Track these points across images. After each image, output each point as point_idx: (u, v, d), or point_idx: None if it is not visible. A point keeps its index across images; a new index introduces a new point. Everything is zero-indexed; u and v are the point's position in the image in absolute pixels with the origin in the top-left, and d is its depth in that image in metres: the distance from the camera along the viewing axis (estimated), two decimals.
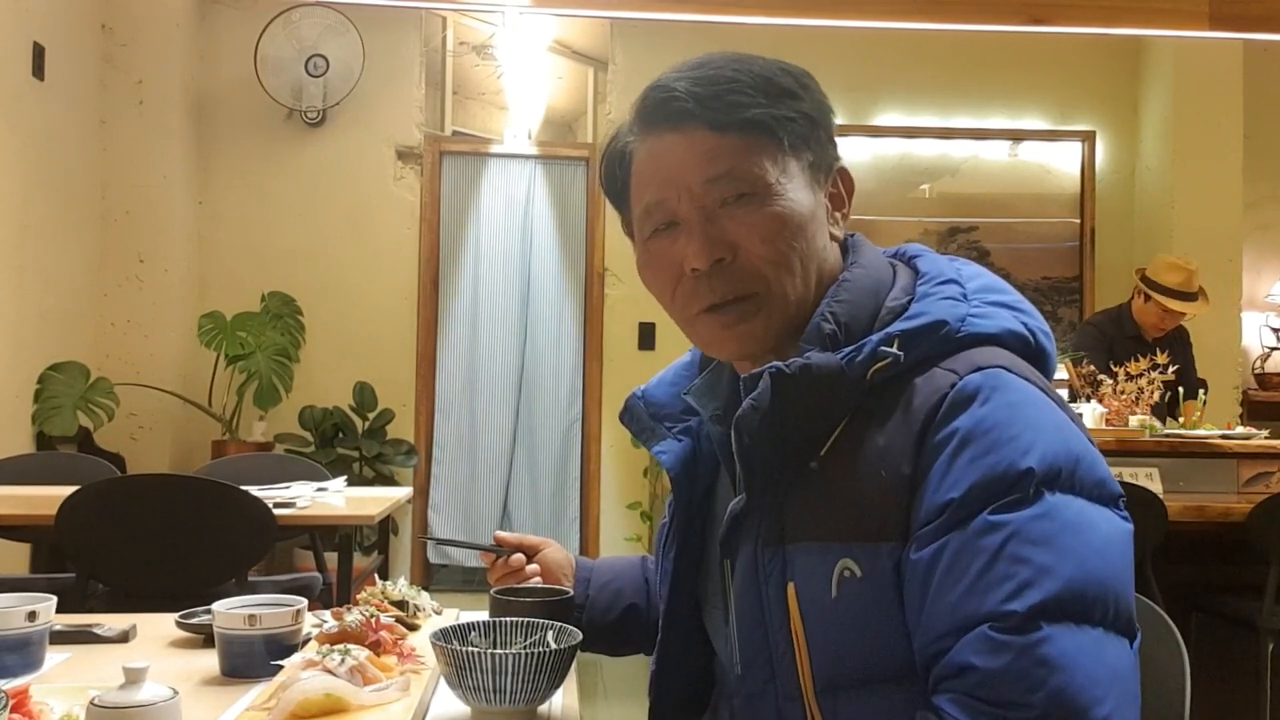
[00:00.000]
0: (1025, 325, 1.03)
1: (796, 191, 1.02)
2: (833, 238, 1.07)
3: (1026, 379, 0.96)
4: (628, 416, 1.20)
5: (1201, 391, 3.85)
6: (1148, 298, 4.14)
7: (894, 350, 0.96)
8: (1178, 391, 3.76)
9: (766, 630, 0.99)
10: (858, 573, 0.93)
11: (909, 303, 1.01)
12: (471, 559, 5.17)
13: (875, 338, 0.97)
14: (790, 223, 1.01)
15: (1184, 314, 4.16)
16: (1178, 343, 4.20)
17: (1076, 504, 0.89)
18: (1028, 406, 0.93)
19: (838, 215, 1.08)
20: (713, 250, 1.01)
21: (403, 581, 1.50)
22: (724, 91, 1.01)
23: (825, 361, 0.97)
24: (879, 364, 0.96)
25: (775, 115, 1.01)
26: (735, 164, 1.01)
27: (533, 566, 1.35)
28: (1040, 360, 1.04)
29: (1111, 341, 4.13)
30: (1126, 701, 0.85)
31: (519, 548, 1.37)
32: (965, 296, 1.02)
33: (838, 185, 1.08)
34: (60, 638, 1.43)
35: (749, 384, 0.99)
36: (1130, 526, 0.93)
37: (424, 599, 1.50)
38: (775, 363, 0.97)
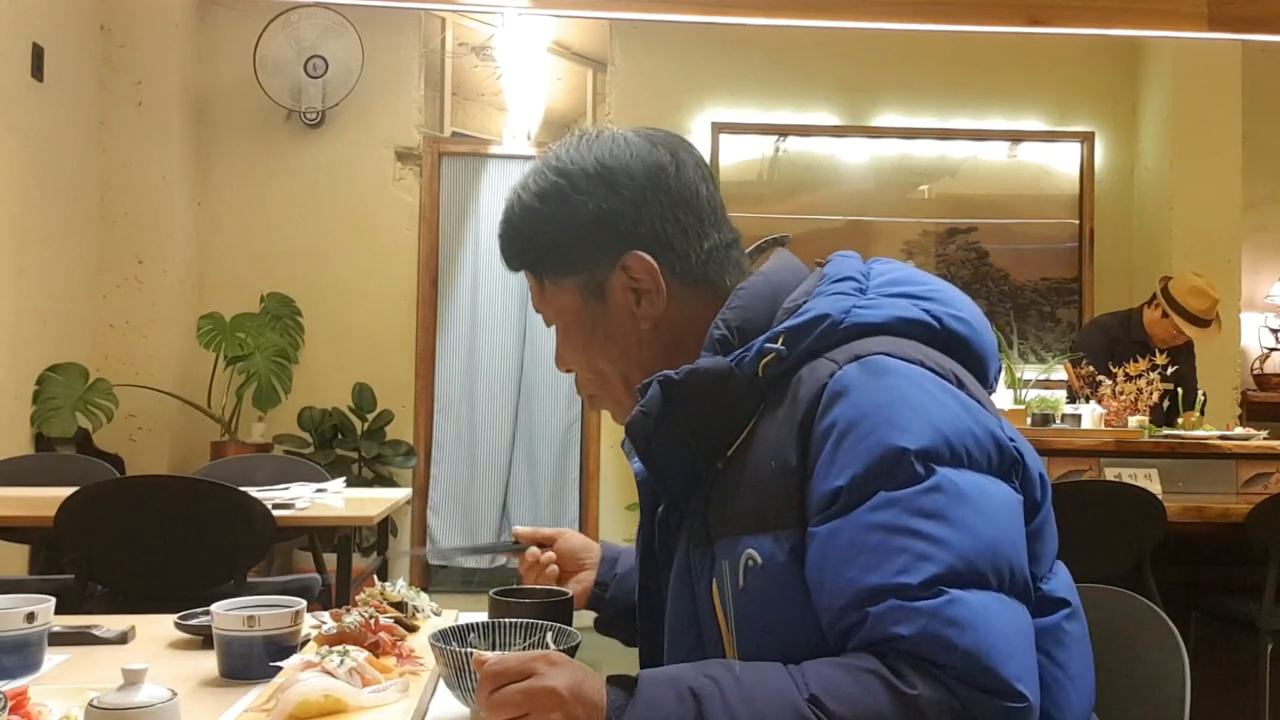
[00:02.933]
0: (927, 311, 1.04)
1: (569, 317, 1.14)
2: (662, 316, 1.10)
3: (914, 360, 0.97)
4: (626, 440, 1.24)
5: (1201, 398, 3.84)
6: (1165, 313, 4.11)
7: (778, 346, 1.00)
8: (1177, 396, 3.76)
9: (700, 628, 1.03)
10: (758, 561, 0.97)
11: (805, 302, 1.05)
12: (471, 559, 5.16)
13: (763, 337, 1.02)
14: (579, 349, 1.14)
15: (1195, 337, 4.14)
16: (1182, 351, 4.18)
17: (966, 476, 0.92)
18: (907, 387, 0.95)
19: (646, 304, 1.10)
20: (560, 364, 1.19)
21: (401, 583, 1.49)
22: (500, 245, 1.17)
23: (713, 364, 1.02)
24: (765, 359, 1.01)
25: (525, 262, 1.15)
26: (534, 300, 1.17)
27: (548, 555, 1.37)
28: (955, 346, 1.05)
29: (1115, 344, 4.09)
30: (1031, 660, 0.88)
31: (533, 541, 1.39)
32: (862, 291, 1.06)
33: (634, 276, 1.09)
34: (59, 639, 1.43)
35: (640, 392, 1.04)
36: (1020, 498, 0.97)
37: (423, 600, 1.50)
38: (667, 370, 1.02)
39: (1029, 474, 0.99)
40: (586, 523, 5.31)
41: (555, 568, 1.37)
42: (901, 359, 0.97)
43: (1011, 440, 0.98)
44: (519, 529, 1.41)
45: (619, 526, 5.23)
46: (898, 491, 0.90)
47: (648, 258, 1.09)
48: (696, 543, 1.04)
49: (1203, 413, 3.73)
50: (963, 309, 1.07)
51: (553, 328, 1.17)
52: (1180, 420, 3.66)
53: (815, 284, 1.08)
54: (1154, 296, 4.18)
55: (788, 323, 1.02)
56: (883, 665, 0.86)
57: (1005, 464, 0.96)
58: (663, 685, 0.89)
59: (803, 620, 0.94)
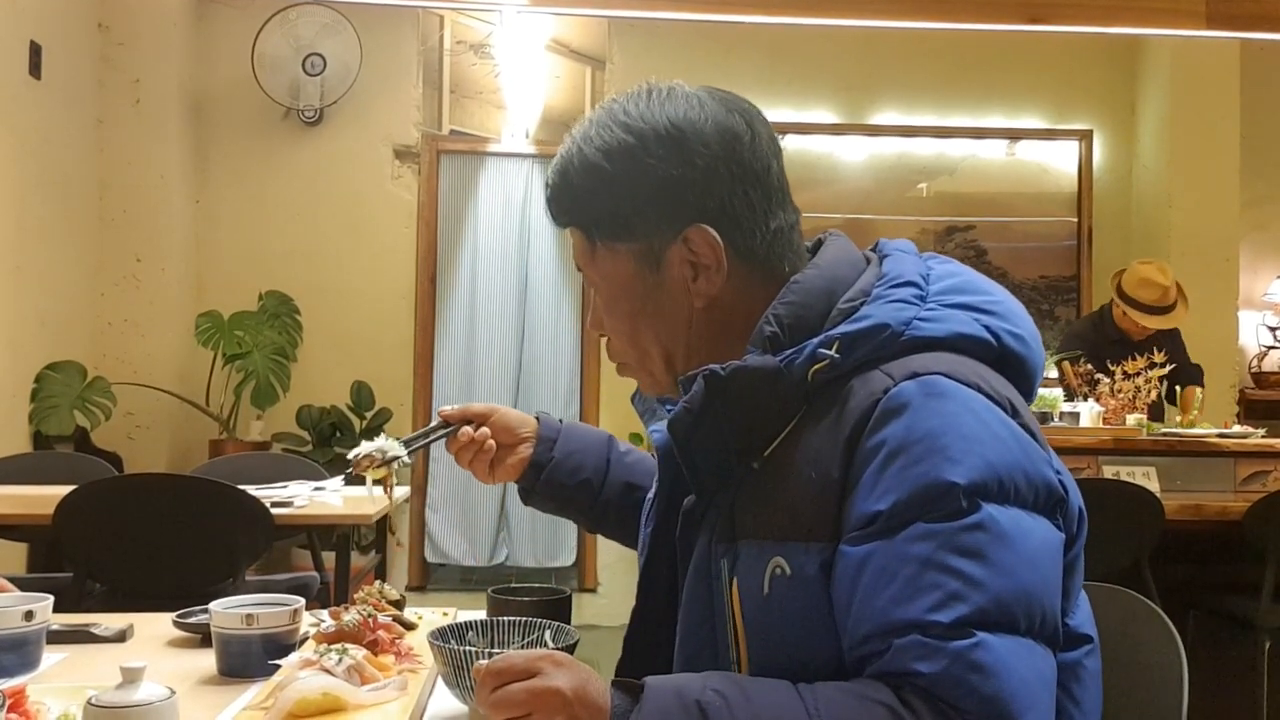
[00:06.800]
0: (987, 328, 1.00)
1: (618, 284, 1.08)
2: (718, 295, 1.05)
3: (971, 385, 0.94)
4: (637, 397, 1.24)
5: (1198, 371, 3.82)
6: (1124, 310, 4.12)
7: (831, 353, 0.96)
8: (1173, 386, 3.76)
9: (713, 624, 1.01)
10: (787, 571, 0.94)
11: (863, 304, 1.00)
12: (469, 557, 5.17)
13: (816, 340, 0.98)
14: (623, 319, 1.09)
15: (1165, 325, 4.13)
16: (1165, 336, 4.18)
17: (1010, 513, 0.89)
18: (964, 415, 0.91)
19: (703, 281, 1.04)
20: (593, 328, 1.14)
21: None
22: (550, 198, 1.11)
23: (762, 364, 0.98)
24: (817, 366, 0.97)
25: (579, 221, 1.08)
26: (579, 259, 1.11)
27: (483, 431, 1.31)
28: (1009, 364, 1.01)
29: (1095, 348, 4.08)
30: (1050, 710, 0.88)
31: (464, 419, 1.32)
32: (922, 299, 1.01)
33: (696, 250, 1.04)
34: (57, 637, 1.43)
35: (684, 385, 1.01)
36: (1062, 536, 0.94)
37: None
38: (711, 365, 0.98)
39: (1069, 509, 0.97)
40: None
41: (493, 443, 1.31)
42: (960, 381, 0.93)
43: (1058, 474, 0.96)
44: (445, 409, 1.33)
45: None
46: (939, 524, 0.87)
47: (713, 233, 1.03)
48: (719, 538, 1.00)
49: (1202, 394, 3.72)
50: (1021, 325, 1.03)
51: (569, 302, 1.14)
52: (1180, 399, 3.65)
53: (872, 282, 1.03)
54: (1113, 299, 4.19)
55: (843, 328, 0.97)
56: (896, 699, 0.84)
57: (1052, 501, 0.93)
58: (669, 695, 0.87)
59: (822, 634, 0.92)
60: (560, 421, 1.38)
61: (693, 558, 1.04)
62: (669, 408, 1.17)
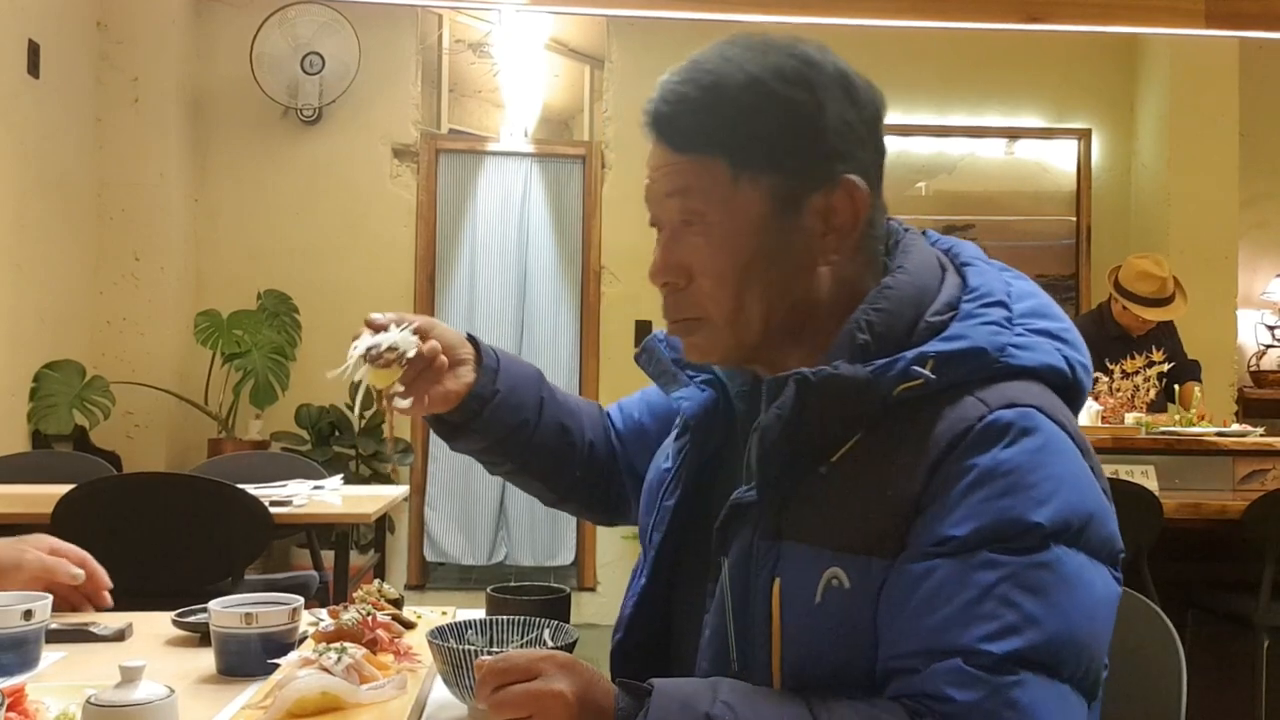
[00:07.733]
0: (1066, 359, 0.99)
1: (748, 223, 0.98)
2: (832, 263, 1.00)
3: (1058, 422, 0.94)
4: (645, 357, 1.18)
5: (1198, 369, 3.84)
6: (1124, 305, 4.13)
7: (926, 372, 0.93)
8: (1171, 384, 3.77)
9: (746, 622, 0.99)
10: (846, 584, 0.92)
11: (951, 319, 0.98)
12: (468, 556, 5.17)
13: (909, 355, 0.94)
14: (733, 256, 0.99)
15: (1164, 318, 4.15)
16: (1164, 332, 4.20)
17: (1078, 559, 0.89)
18: (1053, 454, 0.91)
19: (832, 239, 1.00)
20: (665, 273, 1.02)
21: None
22: (679, 111, 1.00)
23: (853, 374, 0.94)
24: (908, 384, 0.93)
25: (725, 142, 0.98)
26: (687, 184, 0.99)
27: (433, 344, 1.16)
28: (1074, 394, 1.01)
29: (1097, 345, 4.08)
30: None
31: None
32: (1010, 321, 0.99)
33: (836, 204, 0.99)
34: (56, 636, 1.43)
35: (772, 389, 0.97)
36: (1119, 591, 0.95)
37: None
38: (802, 369, 0.94)
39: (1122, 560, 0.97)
40: (584, 521, 5.31)
41: (444, 359, 1.17)
42: (1050, 419, 0.93)
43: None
44: (375, 316, 1.17)
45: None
46: (1010, 557, 0.87)
47: (865, 188, 0.98)
48: (763, 534, 0.97)
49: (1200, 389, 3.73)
50: (1086, 355, 1.03)
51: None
52: (1179, 396, 3.66)
53: (956, 295, 1.00)
54: (1110, 294, 4.20)
55: (938, 347, 0.94)
56: None
57: (1114, 554, 0.94)
58: (676, 705, 0.86)
59: (863, 645, 0.91)
60: (494, 350, 1.23)
61: (733, 551, 1.00)
62: (690, 373, 1.14)
